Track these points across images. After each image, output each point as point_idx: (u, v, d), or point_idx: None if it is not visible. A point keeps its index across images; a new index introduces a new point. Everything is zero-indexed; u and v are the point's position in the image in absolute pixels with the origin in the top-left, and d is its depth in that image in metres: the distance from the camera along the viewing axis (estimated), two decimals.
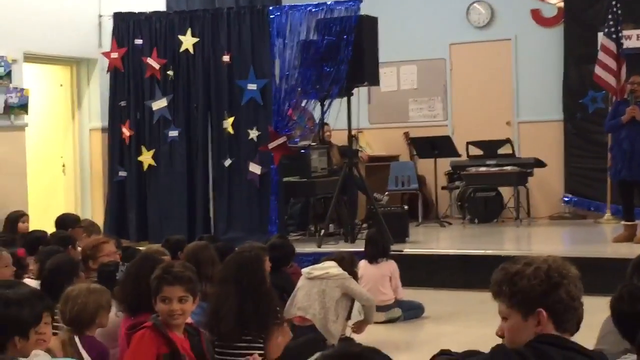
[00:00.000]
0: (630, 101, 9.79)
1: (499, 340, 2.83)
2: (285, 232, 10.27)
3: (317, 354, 5.49)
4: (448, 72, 13.75)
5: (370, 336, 6.81)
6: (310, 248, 10.02)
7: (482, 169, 12.33)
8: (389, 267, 8.05)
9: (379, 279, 7.95)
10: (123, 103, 11.78)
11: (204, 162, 11.47)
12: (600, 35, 11.91)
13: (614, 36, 11.50)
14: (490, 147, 12.73)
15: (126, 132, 11.71)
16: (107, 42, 12.13)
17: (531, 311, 2.71)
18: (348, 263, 6.74)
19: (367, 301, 6.67)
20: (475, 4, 13.50)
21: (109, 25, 12.13)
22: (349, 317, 6.65)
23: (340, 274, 6.48)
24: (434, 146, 12.62)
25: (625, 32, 11.91)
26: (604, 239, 10.76)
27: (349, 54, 10.33)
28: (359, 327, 6.77)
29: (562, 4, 12.86)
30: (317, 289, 6.40)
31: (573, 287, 2.71)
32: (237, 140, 11.16)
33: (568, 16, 12.80)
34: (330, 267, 6.54)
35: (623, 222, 10.12)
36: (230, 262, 5.31)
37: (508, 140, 12.84)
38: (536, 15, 13.16)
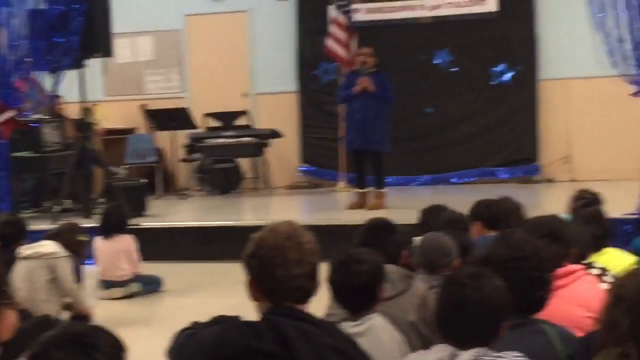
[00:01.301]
0: (361, 72, 10.13)
1: (242, 309, 2.83)
2: (17, 209, 9.80)
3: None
4: (185, 44, 13.65)
5: (108, 312, 6.67)
6: (45, 225, 9.62)
7: (220, 140, 12.38)
8: (126, 242, 7.88)
9: (115, 254, 7.77)
10: None
11: None
12: (331, 8, 12.25)
13: (344, 9, 11.89)
14: (227, 119, 12.79)
15: None
16: None
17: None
18: (67, 233, 6.46)
19: (68, 291, 6.27)
20: None
21: None
22: None
23: (50, 253, 6.17)
24: (172, 118, 12.51)
25: (355, 6, 12.34)
26: (338, 206, 11.13)
27: (80, 24, 9.98)
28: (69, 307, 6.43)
29: None
30: (25, 269, 6.09)
31: (273, 257, 2.68)
32: None
33: None
34: (42, 246, 6.22)
35: (356, 190, 10.51)
36: None
37: (245, 112, 12.96)
38: None
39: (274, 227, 2.74)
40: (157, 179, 12.57)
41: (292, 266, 2.67)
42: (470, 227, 5.53)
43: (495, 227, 5.43)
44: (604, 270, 4.08)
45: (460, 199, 7.65)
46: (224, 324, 2.65)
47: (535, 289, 3.08)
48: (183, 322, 2.90)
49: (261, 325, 2.59)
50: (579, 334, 3.18)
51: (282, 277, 2.66)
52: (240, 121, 12.88)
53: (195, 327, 2.79)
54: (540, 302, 3.11)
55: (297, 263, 2.68)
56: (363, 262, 3.46)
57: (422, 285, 4.02)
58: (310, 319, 2.66)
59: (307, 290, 2.71)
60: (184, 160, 13.16)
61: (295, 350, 2.52)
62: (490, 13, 12.37)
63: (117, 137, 13.27)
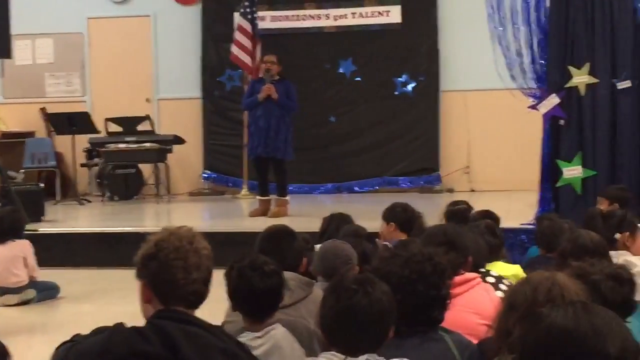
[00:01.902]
0: (265, 80, 10.14)
1: (138, 318, 2.79)
2: None
3: None
4: (86, 47, 13.43)
5: (2, 319, 6.49)
6: None
7: (122, 145, 12.21)
8: (22, 247, 7.69)
9: (10, 259, 7.58)
10: None
11: None
12: (236, 15, 12.23)
13: (249, 17, 11.88)
14: (129, 124, 12.64)
15: None
16: None
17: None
18: None
19: None
20: None
21: None
22: None
23: None
24: (72, 122, 12.28)
25: (260, 13, 12.35)
26: (241, 213, 11.11)
27: None
28: None
29: None
30: None
31: (175, 259, 2.68)
32: None
33: None
34: None
35: (258, 197, 10.50)
36: None
37: (147, 117, 12.82)
38: None
39: (174, 231, 2.74)
40: (56, 184, 12.32)
41: (192, 270, 2.67)
42: (384, 227, 5.63)
43: (407, 231, 5.55)
44: (499, 279, 4.17)
45: (362, 207, 7.73)
46: (109, 331, 2.62)
47: (433, 309, 3.09)
48: (80, 329, 2.86)
49: (147, 329, 2.57)
50: (474, 340, 3.24)
51: (181, 280, 2.66)
52: (143, 126, 12.73)
53: (77, 339, 2.75)
54: (438, 319, 3.14)
55: (196, 267, 2.68)
56: (262, 269, 3.46)
57: (321, 293, 4.03)
58: (197, 322, 2.66)
59: (201, 295, 2.73)
60: (84, 165, 12.94)
61: (181, 352, 2.51)
62: (393, 24, 12.53)
63: (15, 140, 12.97)
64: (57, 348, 2.74)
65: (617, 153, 8.56)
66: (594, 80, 8.53)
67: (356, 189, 12.62)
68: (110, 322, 2.78)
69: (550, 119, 8.67)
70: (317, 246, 4.76)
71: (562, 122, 8.64)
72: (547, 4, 8.67)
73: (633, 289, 3.35)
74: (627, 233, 4.84)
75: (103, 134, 12.59)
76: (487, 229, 4.87)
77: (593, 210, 5.32)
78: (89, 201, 12.29)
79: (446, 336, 3.11)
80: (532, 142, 9.60)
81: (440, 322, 3.13)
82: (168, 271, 2.67)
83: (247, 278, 3.43)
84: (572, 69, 8.57)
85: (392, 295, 2.81)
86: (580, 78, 8.55)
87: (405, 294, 2.98)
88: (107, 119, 12.62)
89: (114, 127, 12.65)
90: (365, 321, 2.73)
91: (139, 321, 2.71)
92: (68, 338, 2.80)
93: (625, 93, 8.49)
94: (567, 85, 8.59)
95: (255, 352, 3.09)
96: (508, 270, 4.61)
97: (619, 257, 4.36)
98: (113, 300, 7.57)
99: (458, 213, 5.97)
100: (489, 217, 5.74)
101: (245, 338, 3.29)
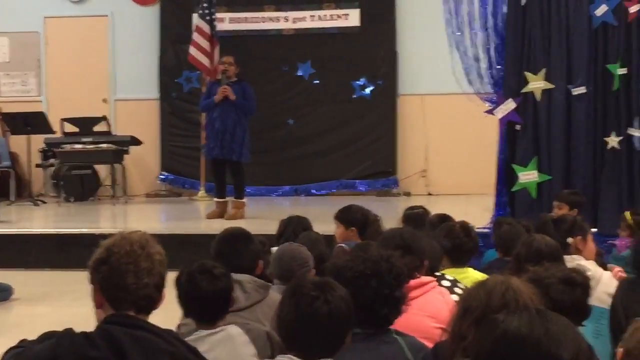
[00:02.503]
0: (222, 81, 10.10)
1: (92, 320, 2.77)
2: None
3: None
4: (42, 46, 13.29)
5: None
6: None
7: (78, 146, 12.08)
8: None
9: None
10: None
11: None
12: (195, 16, 12.18)
13: (207, 18, 11.84)
14: (86, 124, 12.52)
15: None
16: None
17: None
18: None
19: None
20: None
21: None
22: None
23: None
24: (27, 122, 12.15)
25: (219, 15, 12.32)
26: (198, 215, 11.07)
27: None
28: None
29: None
30: None
31: (126, 264, 2.67)
32: None
33: None
34: None
35: (215, 199, 10.47)
36: None
37: (104, 118, 12.72)
38: None
39: (126, 235, 2.72)
40: (10, 184, 12.15)
41: (143, 275, 2.65)
42: (340, 230, 5.61)
43: (363, 234, 5.56)
44: (454, 282, 4.20)
45: (319, 210, 7.74)
46: (57, 337, 2.60)
47: (383, 308, 3.09)
48: (33, 331, 2.82)
49: (95, 334, 2.56)
50: (429, 344, 3.26)
51: (132, 285, 2.65)
52: (100, 127, 12.62)
53: (24, 344, 2.72)
54: (387, 319, 3.14)
55: (147, 272, 2.67)
56: (211, 272, 3.46)
57: (277, 296, 4.02)
58: (147, 326, 2.65)
59: (153, 300, 2.71)
60: (40, 166, 12.80)
61: (128, 357, 2.50)
62: (352, 28, 12.56)
63: None
64: (5, 354, 2.70)
65: (571, 158, 8.65)
66: (549, 85, 8.63)
67: (314, 191, 12.63)
68: (63, 325, 2.75)
69: (507, 124, 8.74)
70: (274, 249, 4.75)
71: (518, 127, 8.72)
72: (505, 9, 8.75)
73: (586, 293, 3.38)
74: (579, 237, 4.90)
75: (59, 134, 12.46)
76: (463, 229, 4.85)
77: (544, 217, 5.37)
78: (44, 202, 12.16)
79: (399, 339, 3.12)
80: (488, 146, 9.68)
81: (390, 323, 3.13)
82: (119, 276, 2.65)
83: (196, 282, 3.43)
84: (528, 75, 8.66)
85: (350, 300, 2.81)
86: (536, 83, 8.64)
87: (357, 288, 2.99)
88: (63, 119, 12.50)
89: (70, 128, 12.53)
90: (324, 328, 2.73)
91: (93, 323, 2.70)
92: (18, 341, 2.77)
93: (580, 99, 8.59)
94: (524, 90, 8.67)
95: (208, 344, 3.14)
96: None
97: (572, 261, 4.40)
98: (67, 302, 7.49)
99: (415, 217, 5.99)
100: (446, 221, 5.76)
101: (202, 334, 3.32)
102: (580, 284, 3.33)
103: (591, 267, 4.44)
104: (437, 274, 4.17)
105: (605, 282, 4.51)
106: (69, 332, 2.59)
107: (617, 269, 5.26)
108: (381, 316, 3.09)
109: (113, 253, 2.67)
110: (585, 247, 4.89)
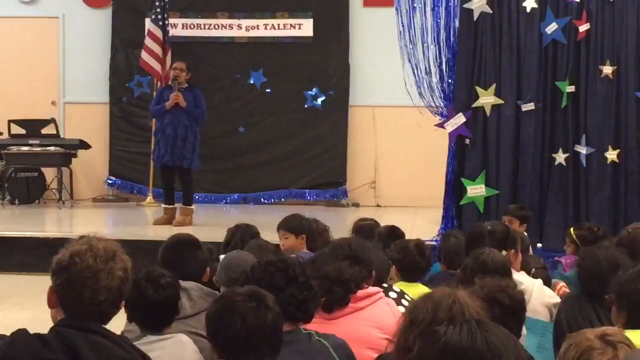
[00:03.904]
0: (174, 88, 10.04)
1: (40, 323, 2.73)
2: None
3: None
4: None
5: None
6: None
7: (25, 148, 11.91)
8: None
9: None
10: None
11: None
12: (147, 21, 12.11)
13: (160, 23, 11.76)
14: (33, 127, 12.35)
15: None
16: None
17: None
18: None
19: None
20: None
21: None
22: None
23: None
24: None
25: (172, 20, 12.26)
26: (145, 221, 10.98)
27: None
28: None
29: None
30: None
31: (86, 278, 2.65)
32: None
33: None
34: None
35: (164, 205, 10.39)
36: None
37: (53, 120, 12.56)
38: None
39: (94, 245, 2.67)
40: None
41: (101, 292, 2.63)
42: (291, 240, 5.60)
43: (312, 244, 5.56)
44: (401, 294, 4.21)
45: (268, 218, 7.72)
46: (10, 337, 2.55)
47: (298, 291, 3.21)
48: None
49: (50, 336, 2.53)
50: (374, 354, 3.27)
51: (88, 299, 2.63)
52: (48, 130, 12.46)
53: None
54: (305, 308, 3.19)
55: (106, 290, 2.65)
56: (158, 281, 3.44)
57: None
58: (103, 332, 2.63)
59: (107, 315, 2.70)
60: None
61: None
62: (305, 38, 12.58)
63: None
64: None
65: (519, 173, 8.75)
66: (499, 101, 8.72)
67: (263, 200, 12.60)
68: (4, 329, 2.70)
69: (456, 138, 8.82)
70: (222, 256, 4.73)
71: (467, 141, 8.79)
72: (457, 24, 8.83)
73: (522, 305, 3.43)
74: (512, 250, 4.97)
75: (5, 136, 12.28)
76: (417, 248, 4.86)
77: (480, 227, 5.41)
78: None
79: (322, 340, 3.18)
80: (437, 159, 9.75)
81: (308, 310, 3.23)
82: (76, 288, 2.63)
83: (142, 289, 3.41)
84: (478, 90, 8.74)
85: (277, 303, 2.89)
86: (487, 98, 8.73)
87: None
88: (11, 121, 12.31)
89: (18, 129, 12.35)
90: (259, 338, 2.78)
91: (35, 328, 2.65)
92: None
93: (529, 115, 8.70)
94: (474, 105, 8.76)
95: (159, 349, 3.19)
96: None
97: None
98: (7, 306, 7.37)
99: (365, 228, 6.01)
100: (395, 233, 5.79)
101: (151, 339, 3.33)
102: (514, 296, 3.38)
103: (523, 280, 4.51)
104: (385, 285, 4.19)
105: (537, 294, 4.59)
106: (22, 332, 2.55)
107: (561, 284, 5.34)
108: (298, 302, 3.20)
109: (75, 263, 2.64)
110: (516, 259, 4.97)
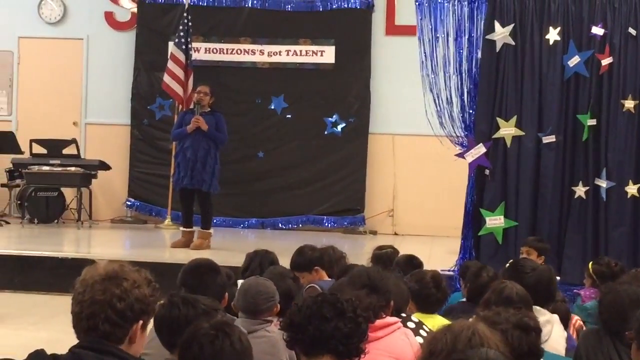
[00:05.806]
0: (196, 111, 10.09)
1: (57, 344, 2.73)
2: None
3: None
4: (15, 66, 13.22)
5: None
6: None
7: (45, 168, 11.98)
8: None
9: None
10: None
11: None
12: (170, 44, 12.18)
13: (183, 47, 11.83)
14: (55, 147, 12.43)
15: None
16: None
17: None
18: None
19: None
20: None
21: None
22: None
23: None
24: None
25: (195, 44, 12.33)
26: (163, 243, 10.99)
27: None
28: None
29: (135, 9, 12.96)
30: None
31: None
32: None
33: (140, 22, 12.93)
34: None
35: (182, 228, 10.41)
36: None
37: (74, 141, 12.63)
38: (109, 17, 13.12)
39: (94, 277, 2.71)
40: None
41: (98, 321, 2.67)
42: (308, 276, 5.57)
43: (329, 271, 5.54)
44: (420, 324, 4.19)
45: (285, 244, 7.72)
46: (27, 358, 2.57)
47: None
48: None
49: (66, 357, 2.54)
50: None
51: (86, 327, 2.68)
52: (69, 150, 12.53)
53: None
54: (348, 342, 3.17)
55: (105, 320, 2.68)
56: (197, 304, 3.46)
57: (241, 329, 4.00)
58: (118, 353, 2.65)
59: (124, 335, 2.72)
60: (5, 186, 12.66)
61: None
62: (327, 64, 12.62)
63: None
64: None
65: (538, 205, 8.72)
66: (520, 132, 8.71)
67: (280, 225, 12.60)
68: (21, 349, 2.72)
69: (476, 168, 8.80)
70: (240, 281, 4.72)
71: (487, 171, 8.78)
72: (479, 55, 8.84)
73: (539, 337, 3.41)
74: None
75: (27, 155, 12.36)
76: (433, 280, 4.83)
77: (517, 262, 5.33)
78: (8, 222, 12.02)
79: None
80: (457, 189, 9.73)
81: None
82: (77, 315, 2.70)
83: (178, 313, 3.43)
84: (500, 120, 8.73)
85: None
86: (507, 130, 8.72)
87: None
88: (33, 140, 12.40)
89: (39, 149, 12.43)
90: None
91: (51, 349, 2.69)
92: None
93: (549, 147, 8.68)
94: (494, 135, 8.75)
95: None
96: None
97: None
98: (24, 325, 7.38)
99: (384, 257, 5.99)
100: (413, 262, 5.77)
101: None
102: (534, 328, 3.36)
103: (545, 312, 4.47)
104: (403, 315, 4.17)
105: (557, 328, 4.54)
106: (39, 353, 2.58)
107: (576, 318, 5.30)
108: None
109: (77, 293, 2.71)
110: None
